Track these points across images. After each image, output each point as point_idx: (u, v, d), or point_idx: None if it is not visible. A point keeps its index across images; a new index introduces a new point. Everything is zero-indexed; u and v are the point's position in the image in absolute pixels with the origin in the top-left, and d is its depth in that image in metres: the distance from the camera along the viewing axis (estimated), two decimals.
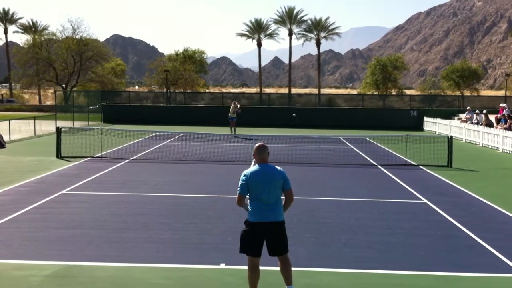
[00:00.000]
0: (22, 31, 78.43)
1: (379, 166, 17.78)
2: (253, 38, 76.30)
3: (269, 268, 7.34)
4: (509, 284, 7.11)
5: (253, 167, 6.26)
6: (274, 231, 6.14)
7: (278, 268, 7.35)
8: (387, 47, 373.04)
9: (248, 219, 6.19)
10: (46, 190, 12.58)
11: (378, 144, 24.70)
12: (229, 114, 28.31)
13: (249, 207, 6.20)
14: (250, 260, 6.22)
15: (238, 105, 28.87)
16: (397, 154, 20.67)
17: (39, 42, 60.05)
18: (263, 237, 6.15)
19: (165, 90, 57.02)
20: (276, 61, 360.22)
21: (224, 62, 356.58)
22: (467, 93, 65.41)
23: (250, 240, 6.14)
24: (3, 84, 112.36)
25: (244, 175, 6.17)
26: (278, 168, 6.32)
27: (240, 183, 6.18)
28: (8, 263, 7.43)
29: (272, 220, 6.11)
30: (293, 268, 7.33)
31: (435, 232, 9.51)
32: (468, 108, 31.93)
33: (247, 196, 6.21)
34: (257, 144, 6.41)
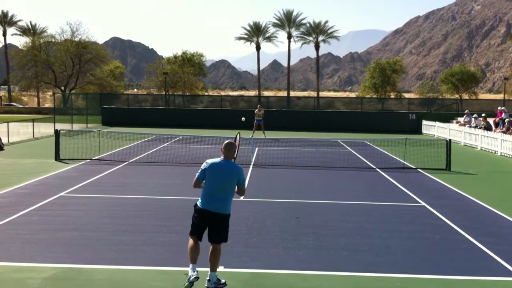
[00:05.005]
0: (21, 34, 78.45)
1: (377, 169, 17.79)
2: (251, 41, 76.35)
3: (268, 271, 7.35)
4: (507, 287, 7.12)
5: (217, 159, 6.73)
6: (215, 221, 6.58)
7: (277, 271, 7.37)
8: (386, 50, 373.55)
9: (198, 204, 6.66)
10: (45, 193, 12.56)
11: (376, 147, 24.71)
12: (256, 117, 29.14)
13: (201, 193, 6.70)
14: (194, 238, 6.64)
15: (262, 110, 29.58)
16: (395, 157, 20.69)
17: (38, 44, 59.99)
18: (206, 224, 6.61)
19: (164, 92, 57.01)
20: (275, 64, 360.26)
21: (223, 65, 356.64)
22: (465, 96, 65.47)
23: (199, 225, 6.63)
24: (1, 87, 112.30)
25: (206, 163, 6.68)
26: (238, 167, 6.69)
27: (200, 169, 6.69)
28: (6, 266, 7.41)
29: (215, 211, 6.56)
30: (292, 271, 7.37)
31: (434, 235, 9.51)
32: (466, 111, 31.97)
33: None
34: (227, 141, 6.81)
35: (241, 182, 6.67)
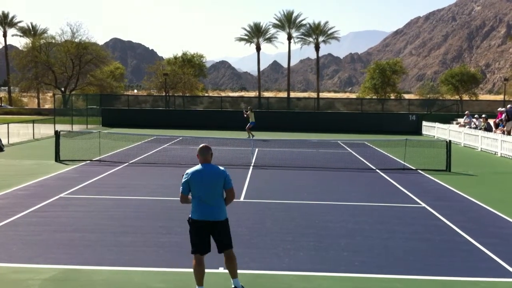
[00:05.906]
0: (21, 35, 78.44)
1: (377, 170, 17.79)
2: (252, 42, 76.38)
3: (269, 272, 7.35)
4: None
5: (196, 167, 6.42)
6: (215, 230, 6.34)
7: (277, 272, 7.37)
8: (386, 51, 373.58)
9: (191, 217, 6.37)
10: (45, 194, 12.57)
11: (376, 148, 24.71)
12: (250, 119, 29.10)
13: (191, 206, 6.42)
14: (197, 256, 6.37)
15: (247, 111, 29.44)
16: (395, 158, 20.69)
17: (38, 45, 60.01)
18: (207, 235, 6.35)
19: (164, 93, 57.03)
20: (275, 65, 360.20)
21: (223, 66, 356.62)
22: (465, 97, 65.50)
23: (198, 239, 6.32)
24: (2, 88, 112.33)
25: (186, 174, 6.35)
26: (221, 168, 6.46)
27: (182, 182, 6.34)
28: (7, 267, 7.42)
29: (212, 219, 6.30)
30: (292, 272, 7.37)
31: (434, 236, 9.51)
32: (466, 112, 31.98)
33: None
34: (201, 145, 6.55)
35: (228, 181, 6.34)
